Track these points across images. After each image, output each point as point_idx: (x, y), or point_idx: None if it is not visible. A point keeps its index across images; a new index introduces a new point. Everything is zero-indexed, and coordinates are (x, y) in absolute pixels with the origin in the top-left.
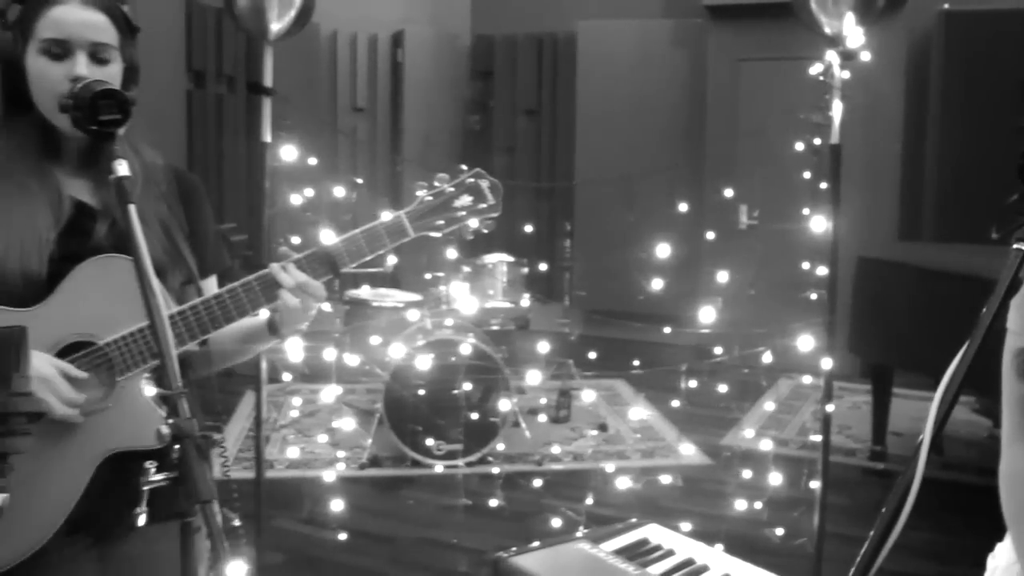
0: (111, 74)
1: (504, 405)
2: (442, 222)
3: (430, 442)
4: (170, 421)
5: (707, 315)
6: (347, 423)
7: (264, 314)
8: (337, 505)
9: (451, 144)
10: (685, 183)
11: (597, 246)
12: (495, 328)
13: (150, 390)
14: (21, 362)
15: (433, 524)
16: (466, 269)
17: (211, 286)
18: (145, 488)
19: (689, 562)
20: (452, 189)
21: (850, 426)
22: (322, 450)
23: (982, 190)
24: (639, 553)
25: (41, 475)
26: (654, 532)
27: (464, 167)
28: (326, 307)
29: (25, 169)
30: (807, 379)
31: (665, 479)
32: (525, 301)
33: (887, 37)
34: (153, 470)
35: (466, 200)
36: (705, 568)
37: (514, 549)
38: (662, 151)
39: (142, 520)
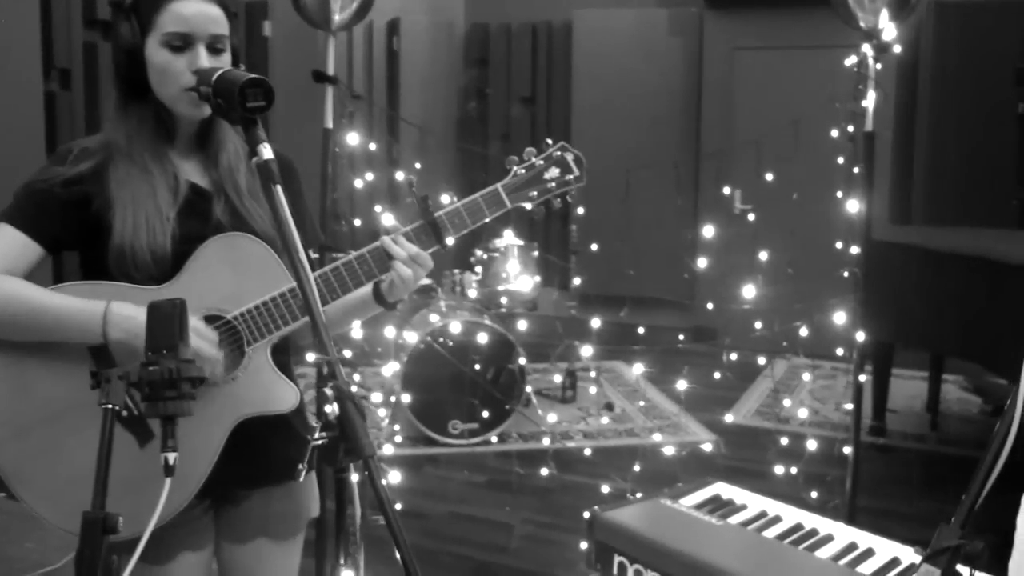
0: (225, 62)
1: (516, 385)
2: (535, 193)
3: (447, 422)
4: (331, 383)
5: (748, 292)
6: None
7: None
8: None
9: (447, 131)
10: (682, 170)
11: (602, 232)
12: (504, 311)
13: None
14: (184, 331)
15: (460, 500)
16: (479, 253)
17: None
18: (312, 445)
19: (764, 514)
20: (542, 162)
21: (848, 404)
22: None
23: (972, 175)
24: (717, 507)
25: (185, 441)
26: (723, 489)
27: (550, 141)
28: None
29: (144, 151)
30: (840, 356)
31: (668, 451)
32: (535, 284)
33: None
34: (319, 428)
35: (554, 172)
36: (779, 518)
37: (601, 506)
38: (658, 138)
39: (303, 476)
